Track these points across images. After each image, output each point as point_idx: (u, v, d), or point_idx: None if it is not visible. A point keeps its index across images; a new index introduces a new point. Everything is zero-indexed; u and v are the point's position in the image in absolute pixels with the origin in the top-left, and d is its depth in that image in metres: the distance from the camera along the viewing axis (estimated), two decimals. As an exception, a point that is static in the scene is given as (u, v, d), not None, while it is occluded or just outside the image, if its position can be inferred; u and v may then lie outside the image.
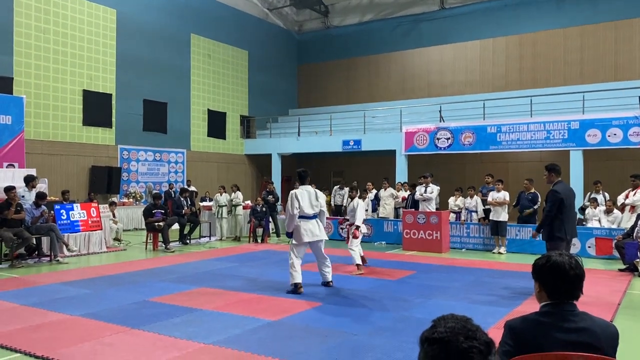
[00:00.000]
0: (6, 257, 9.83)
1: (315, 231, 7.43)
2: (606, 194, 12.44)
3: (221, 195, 14.26)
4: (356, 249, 9.15)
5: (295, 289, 7.25)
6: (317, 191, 7.65)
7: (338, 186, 16.82)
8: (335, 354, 4.66)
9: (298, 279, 7.29)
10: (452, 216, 13.16)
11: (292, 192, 7.57)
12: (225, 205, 14.17)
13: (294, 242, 7.49)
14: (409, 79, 23.01)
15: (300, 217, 7.40)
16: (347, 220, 9.83)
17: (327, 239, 7.79)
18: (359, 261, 9.09)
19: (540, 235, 7.47)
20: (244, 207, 14.67)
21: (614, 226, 11.31)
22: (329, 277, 7.77)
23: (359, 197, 9.72)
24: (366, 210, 14.25)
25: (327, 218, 14.29)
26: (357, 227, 9.25)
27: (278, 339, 5.13)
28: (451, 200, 13.47)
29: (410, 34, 22.99)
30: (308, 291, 7.35)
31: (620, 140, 14.38)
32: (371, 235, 13.47)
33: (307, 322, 5.75)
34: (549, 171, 7.24)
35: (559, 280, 2.23)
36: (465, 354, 1.19)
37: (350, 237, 9.28)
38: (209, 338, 5.10)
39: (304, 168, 7.91)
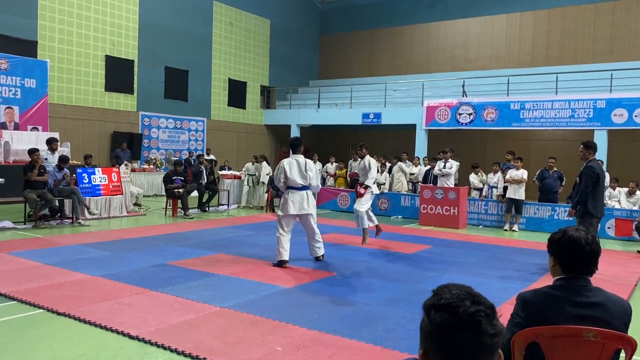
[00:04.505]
0: (30, 218, 10.09)
1: (303, 204, 7.10)
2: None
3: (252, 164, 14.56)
4: (362, 210, 8.55)
5: (280, 265, 6.99)
6: (308, 161, 7.25)
7: (353, 159, 16.74)
8: (348, 321, 4.73)
9: (285, 256, 7.00)
10: (475, 193, 13.08)
11: (281, 161, 7.33)
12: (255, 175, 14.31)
13: (280, 213, 7.18)
14: (433, 52, 22.60)
15: (289, 187, 7.15)
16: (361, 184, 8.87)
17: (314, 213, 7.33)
18: (365, 225, 8.64)
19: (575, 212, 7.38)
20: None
21: (635, 208, 11.15)
22: (320, 252, 7.41)
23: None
24: (383, 183, 14.24)
25: (343, 190, 14.62)
26: (366, 187, 8.67)
27: (292, 305, 5.22)
28: (472, 176, 13.37)
29: (436, 6, 22.49)
30: (323, 262, 7.43)
31: (647, 121, 14.03)
32: (388, 209, 13.49)
33: (320, 291, 5.83)
34: (587, 148, 7.08)
35: (574, 255, 2.22)
36: (473, 318, 1.22)
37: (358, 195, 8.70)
38: (225, 302, 5.21)
39: (297, 137, 7.64)
